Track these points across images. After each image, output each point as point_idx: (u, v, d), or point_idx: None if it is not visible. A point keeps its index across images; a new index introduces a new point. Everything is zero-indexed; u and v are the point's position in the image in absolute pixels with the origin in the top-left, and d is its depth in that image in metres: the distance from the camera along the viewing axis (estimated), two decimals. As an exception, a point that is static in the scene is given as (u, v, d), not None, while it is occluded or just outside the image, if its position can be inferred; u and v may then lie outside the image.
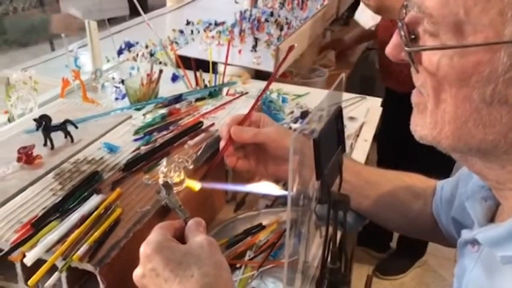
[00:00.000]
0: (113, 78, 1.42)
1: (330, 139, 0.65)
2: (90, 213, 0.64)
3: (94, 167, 0.76)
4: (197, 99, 0.97)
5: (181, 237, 0.56)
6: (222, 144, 0.76)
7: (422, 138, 0.47)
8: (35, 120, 0.78)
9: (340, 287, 0.67)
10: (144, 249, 0.52)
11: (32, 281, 0.55)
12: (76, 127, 0.84)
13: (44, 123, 0.78)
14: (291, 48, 0.86)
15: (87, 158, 0.79)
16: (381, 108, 1.32)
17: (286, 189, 0.72)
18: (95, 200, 0.66)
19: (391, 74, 1.78)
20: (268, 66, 1.58)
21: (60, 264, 0.57)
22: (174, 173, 0.70)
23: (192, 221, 0.57)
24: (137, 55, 1.58)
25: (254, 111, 0.79)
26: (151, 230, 0.57)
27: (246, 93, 1.01)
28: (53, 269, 0.57)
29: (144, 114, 0.91)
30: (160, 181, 0.67)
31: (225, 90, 1.07)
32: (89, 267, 0.56)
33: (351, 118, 1.25)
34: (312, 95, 1.40)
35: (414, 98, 0.48)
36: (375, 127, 1.20)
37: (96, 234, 0.60)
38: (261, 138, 0.74)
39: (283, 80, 1.63)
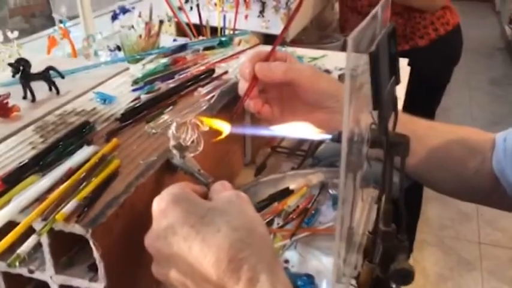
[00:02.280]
0: (108, 46, 1.28)
1: (384, 61, 0.51)
2: (79, 166, 0.50)
3: (84, 118, 0.62)
4: (205, 49, 0.83)
5: None
6: (242, 85, 0.62)
7: None
8: (10, 65, 0.64)
9: (398, 255, 0.53)
10: (158, 203, 0.41)
11: None
12: (62, 76, 0.70)
13: (22, 69, 0.64)
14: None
15: (76, 109, 0.65)
16: (409, 68, 1.19)
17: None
18: (86, 151, 0.52)
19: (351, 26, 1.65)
20: (277, 30, 1.45)
21: (39, 227, 0.43)
22: (187, 134, 0.56)
23: (217, 183, 0.47)
24: (132, 26, 1.44)
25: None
26: (159, 186, 0.47)
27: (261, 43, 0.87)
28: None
29: (143, 65, 0.77)
30: (172, 143, 0.53)
31: (236, 42, 0.93)
32: (77, 229, 0.42)
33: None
34: (329, 58, 1.26)
35: None
36: (406, 85, 1.06)
37: (88, 188, 0.46)
38: (294, 76, 0.61)
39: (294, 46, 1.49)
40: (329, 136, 0.54)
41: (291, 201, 0.69)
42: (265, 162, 0.80)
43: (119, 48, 1.19)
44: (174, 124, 0.55)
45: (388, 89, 0.50)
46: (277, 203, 0.68)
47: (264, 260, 0.38)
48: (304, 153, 0.80)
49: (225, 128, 0.54)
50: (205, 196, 0.46)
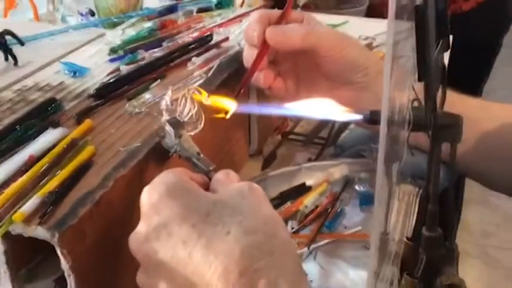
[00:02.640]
0: (78, 11, 1.26)
1: (431, 20, 0.48)
2: (43, 154, 0.48)
3: (49, 94, 0.61)
4: (200, 10, 0.82)
5: None
6: (248, 54, 0.61)
7: None
8: (-45, 27, 0.62)
9: (445, 269, 0.52)
10: (148, 195, 0.40)
11: None
12: (22, 43, 0.69)
13: (-30, 33, 0.62)
14: None
15: (38, 83, 0.64)
16: (451, 37, 1.17)
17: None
18: (51, 135, 0.51)
19: None
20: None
21: (-8, 229, 0.41)
22: (185, 107, 0.53)
23: (220, 172, 0.46)
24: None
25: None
26: (144, 179, 0.46)
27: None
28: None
29: (123, 30, 0.76)
30: (165, 118, 0.51)
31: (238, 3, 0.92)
32: (40, 232, 0.40)
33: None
34: (350, 25, 1.24)
35: None
36: (448, 58, 1.05)
37: (54, 181, 0.45)
38: (314, 41, 0.60)
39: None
40: (359, 116, 0.52)
41: (308, 200, 0.68)
42: (275, 151, 0.79)
43: (92, 13, 1.18)
44: (169, 93, 0.53)
45: (435, 55, 0.48)
46: (290, 202, 0.68)
47: (286, 272, 0.36)
48: (323, 141, 0.79)
49: (229, 105, 0.51)
50: (206, 187, 0.45)
